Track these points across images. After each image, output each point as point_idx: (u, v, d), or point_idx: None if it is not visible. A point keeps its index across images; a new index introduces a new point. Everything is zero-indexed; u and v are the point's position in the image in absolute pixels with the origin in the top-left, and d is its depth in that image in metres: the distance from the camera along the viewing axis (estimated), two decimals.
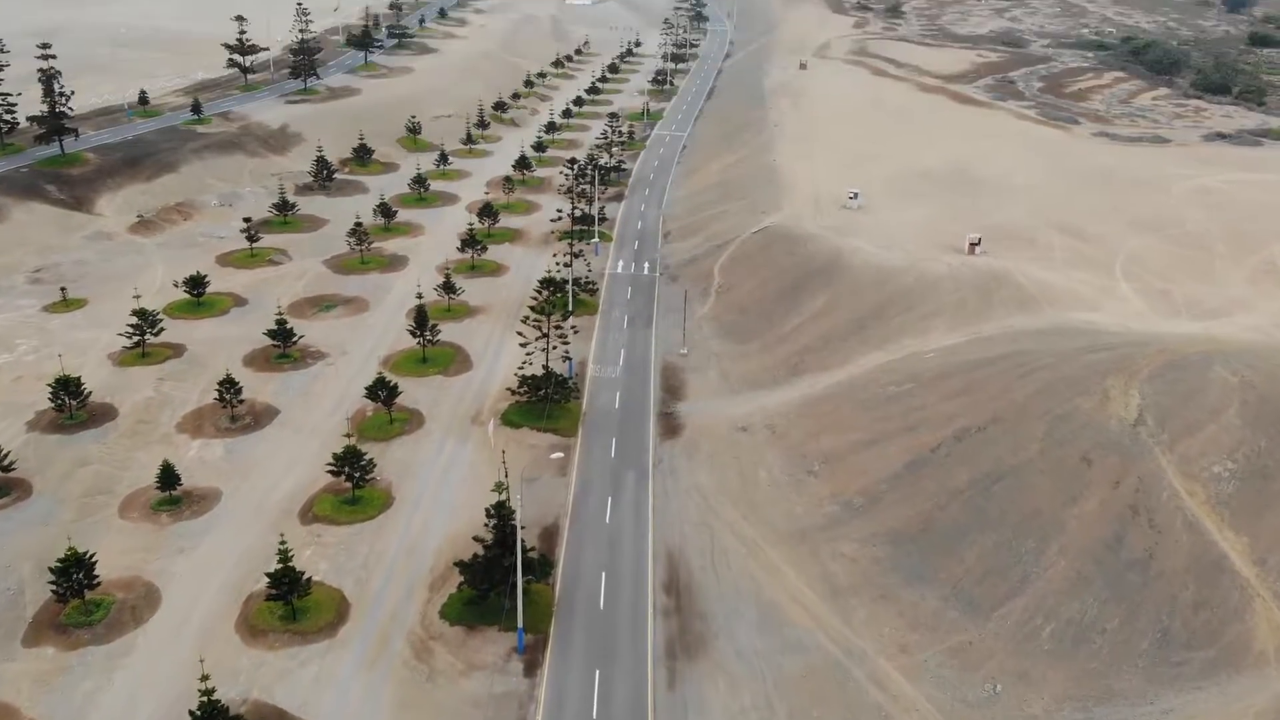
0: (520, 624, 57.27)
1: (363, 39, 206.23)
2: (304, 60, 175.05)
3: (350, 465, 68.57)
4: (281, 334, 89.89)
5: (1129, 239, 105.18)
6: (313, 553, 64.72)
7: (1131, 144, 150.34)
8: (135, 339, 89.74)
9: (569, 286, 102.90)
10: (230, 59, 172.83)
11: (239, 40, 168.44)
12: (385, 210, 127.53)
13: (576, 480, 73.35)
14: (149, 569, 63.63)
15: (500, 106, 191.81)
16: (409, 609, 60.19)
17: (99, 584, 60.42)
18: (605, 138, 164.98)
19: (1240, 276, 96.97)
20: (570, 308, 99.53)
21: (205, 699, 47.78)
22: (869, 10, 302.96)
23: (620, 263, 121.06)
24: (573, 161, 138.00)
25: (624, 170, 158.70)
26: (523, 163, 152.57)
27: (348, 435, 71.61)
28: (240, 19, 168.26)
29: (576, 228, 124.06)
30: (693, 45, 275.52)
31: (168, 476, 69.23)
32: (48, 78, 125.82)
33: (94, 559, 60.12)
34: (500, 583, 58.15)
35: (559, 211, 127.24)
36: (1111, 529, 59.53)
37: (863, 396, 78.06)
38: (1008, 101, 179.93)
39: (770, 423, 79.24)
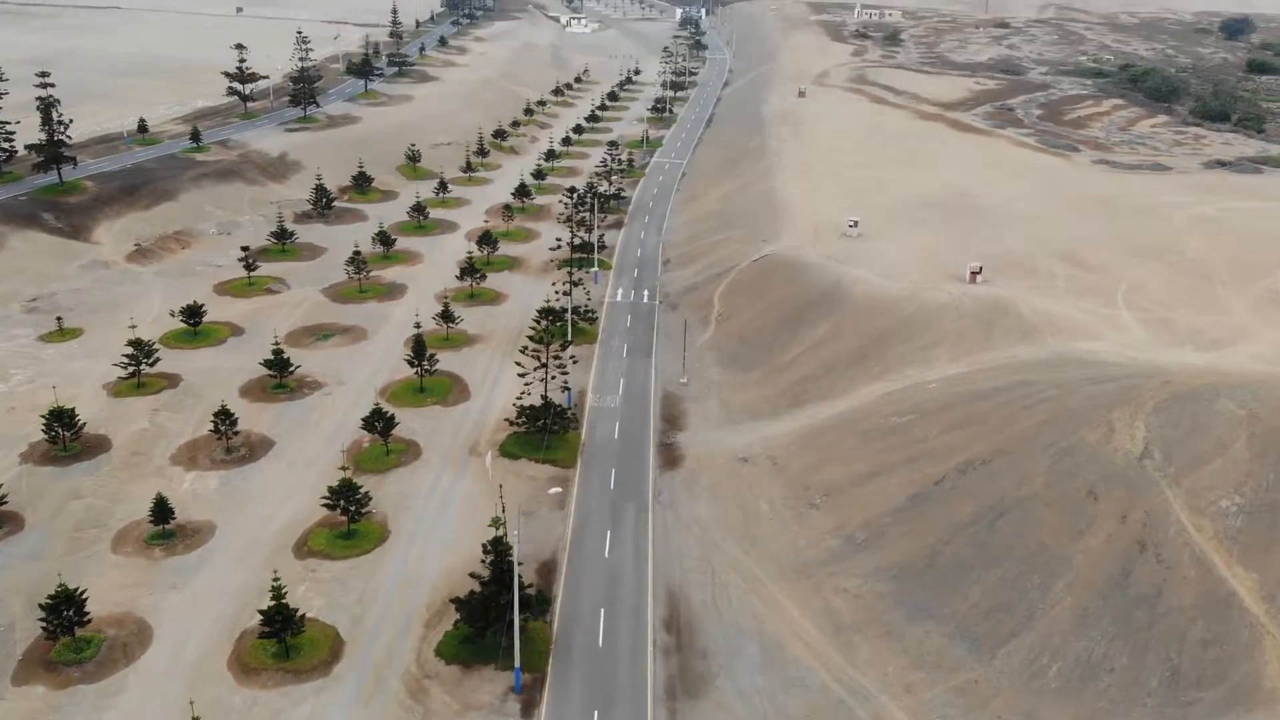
0: (518, 663, 56.21)
1: (363, 67, 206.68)
2: (304, 88, 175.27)
3: (345, 499, 67.70)
4: (278, 364, 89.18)
5: (1131, 267, 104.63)
6: (307, 588, 63.72)
7: (1131, 172, 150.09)
8: (131, 369, 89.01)
9: (568, 315, 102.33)
10: (230, 87, 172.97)
11: (239, 68, 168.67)
12: (384, 238, 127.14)
13: (575, 513, 72.41)
14: (141, 605, 62.67)
15: (500, 134, 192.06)
16: (404, 647, 59.14)
17: (90, 621, 59.48)
18: (605, 165, 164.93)
19: (1243, 305, 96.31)
20: (569, 337, 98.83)
21: None
22: (867, 38, 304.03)
23: (620, 290, 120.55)
24: (572, 190, 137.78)
25: (623, 198, 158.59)
26: (522, 190, 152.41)
27: (343, 468, 70.73)
28: (240, 47, 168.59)
29: (576, 255, 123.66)
30: (692, 73, 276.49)
31: (161, 510, 68.36)
32: (46, 106, 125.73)
33: (85, 595, 59.18)
34: (497, 620, 57.12)
35: (558, 240, 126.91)
36: (1118, 565, 58.58)
37: (865, 427, 77.26)
38: (1007, 129, 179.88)
39: (771, 453, 78.42)
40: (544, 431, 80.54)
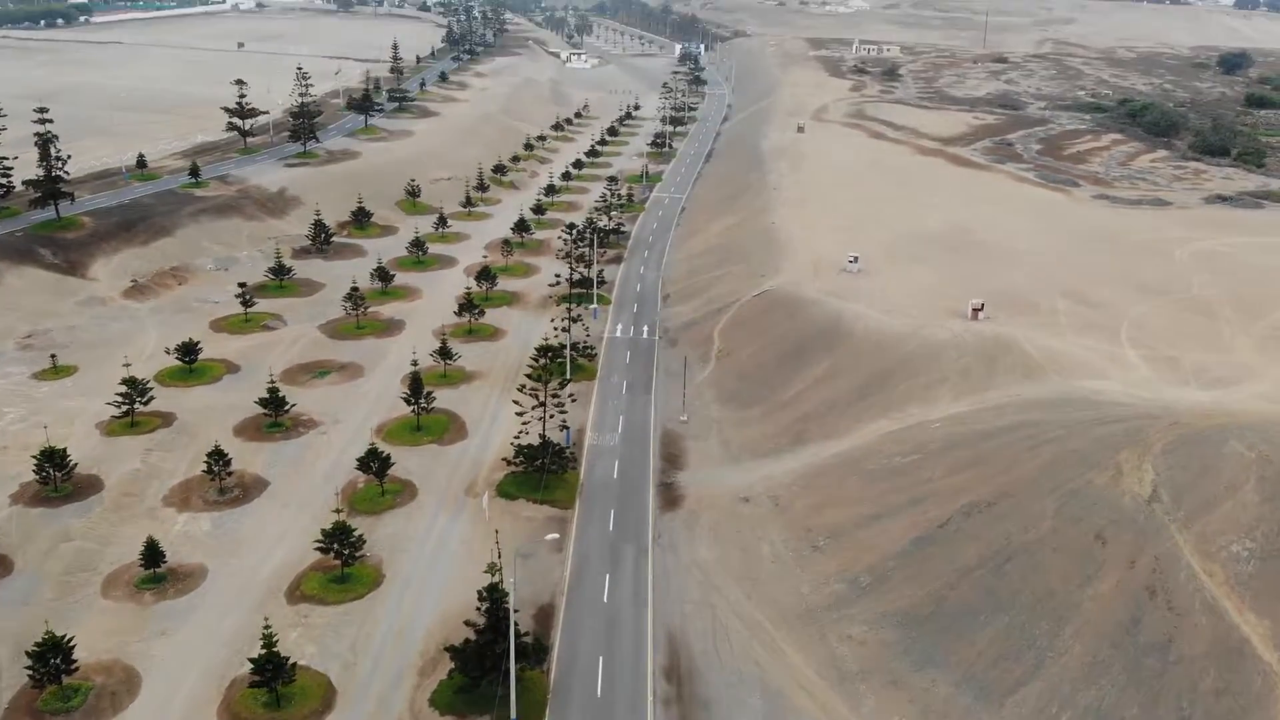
0: (514, 713, 54.80)
1: (363, 102, 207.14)
2: (303, 123, 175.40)
3: (339, 542, 66.49)
4: (273, 402, 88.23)
5: (1134, 304, 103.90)
6: (299, 635, 62.40)
7: (1132, 207, 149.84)
8: (124, 408, 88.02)
9: (567, 352, 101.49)
10: (230, 122, 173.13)
11: (238, 104, 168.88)
12: (383, 274, 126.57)
13: (573, 555, 71.13)
14: (130, 652, 61.36)
15: (500, 169, 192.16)
16: (397, 696, 57.75)
17: (77, 668, 58.23)
18: (604, 200, 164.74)
19: (1248, 343, 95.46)
20: (568, 375, 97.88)
21: None
22: (866, 73, 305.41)
23: (619, 326, 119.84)
24: (571, 226, 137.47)
25: (623, 233, 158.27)
26: (521, 226, 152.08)
27: (337, 510, 69.53)
28: (240, 83, 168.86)
29: (575, 291, 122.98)
30: (691, 108, 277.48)
31: (152, 554, 67.18)
32: (44, 141, 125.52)
33: (72, 643, 57.92)
34: (493, 669, 55.73)
35: (557, 276, 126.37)
36: (1128, 611, 57.29)
37: (868, 467, 76.15)
38: (1006, 164, 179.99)
39: (773, 493, 77.26)
40: (542, 471, 79.44)
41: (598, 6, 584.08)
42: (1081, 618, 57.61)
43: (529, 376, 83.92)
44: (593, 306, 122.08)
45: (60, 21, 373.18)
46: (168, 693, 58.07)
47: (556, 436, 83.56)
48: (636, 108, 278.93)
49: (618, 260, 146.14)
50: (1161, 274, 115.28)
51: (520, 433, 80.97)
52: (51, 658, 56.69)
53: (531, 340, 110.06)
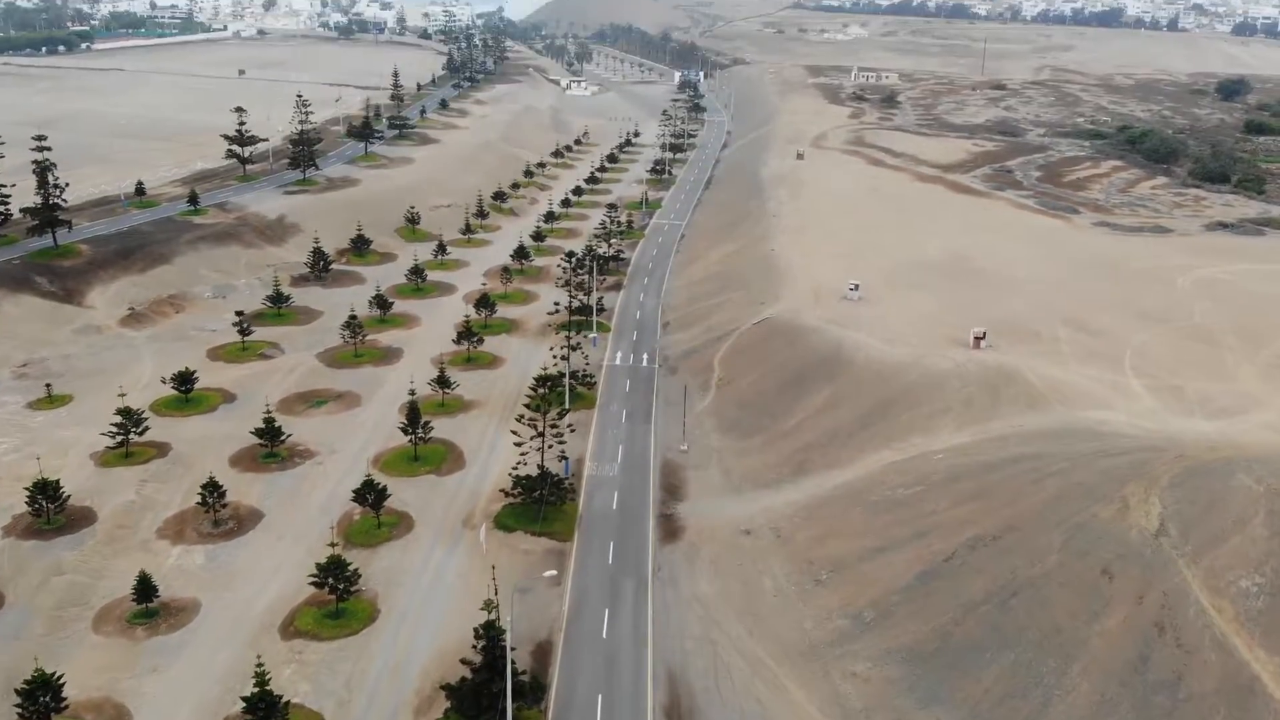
0: None
1: (363, 130, 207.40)
2: (303, 151, 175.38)
3: (334, 576, 65.49)
4: (269, 433, 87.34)
5: (1136, 332, 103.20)
6: (293, 671, 61.30)
7: (1133, 234, 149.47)
8: (119, 438, 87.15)
9: (565, 381, 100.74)
10: (229, 150, 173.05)
11: (238, 131, 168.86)
12: (381, 302, 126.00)
13: (572, 590, 70.06)
14: (120, 689, 60.25)
15: (500, 196, 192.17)
16: None
17: (66, 707, 57.08)
18: (604, 227, 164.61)
19: (1252, 372, 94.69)
20: (567, 404, 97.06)
21: None
22: (865, 101, 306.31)
23: (619, 354, 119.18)
24: (570, 254, 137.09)
25: (623, 259, 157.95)
26: (521, 253, 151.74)
27: (332, 544, 68.54)
28: (240, 110, 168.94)
29: (574, 318, 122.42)
30: (691, 136, 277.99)
31: (144, 588, 66.21)
32: (42, 169, 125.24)
33: (62, 680, 56.76)
34: (489, 709, 54.64)
35: (556, 304, 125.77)
36: (1136, 648, 56.29)
37: (871, 499, 75.25)
38: (1006, 191, 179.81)
39: (775, 525, 76.33)
40: (540, 503, 78.51)
41: (598, 34, 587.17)
42: (1089, 654, 56.61)
43: (527, 406, 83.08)
44: (592, 335, 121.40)
45: (62, 49, 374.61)
46: None
47: (555, 467, 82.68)
48: (636, 135, 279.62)
49: (617, 287, 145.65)
50: (1163, 302, 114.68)
51: (518, 463, 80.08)
52: (41, 695, 55.57)
53: (530, 368, 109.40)
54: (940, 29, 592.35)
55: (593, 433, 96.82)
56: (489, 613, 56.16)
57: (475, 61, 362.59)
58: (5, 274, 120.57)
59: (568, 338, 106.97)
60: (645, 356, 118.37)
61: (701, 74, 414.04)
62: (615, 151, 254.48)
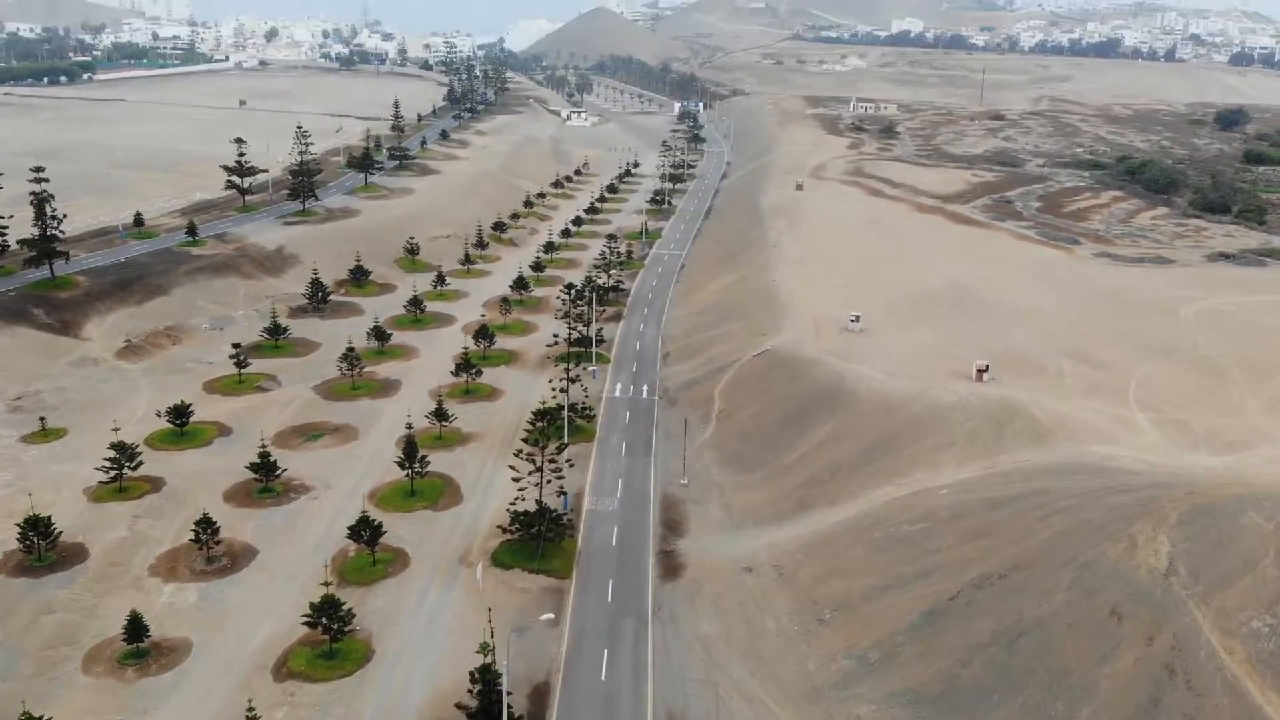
0: None
1: (363, 160, 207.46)
2: (303, 181, 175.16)
3: (328, 616, 64.26)
4: (264, 467, 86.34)
5: (1140, 365, 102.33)
6: (285, 714, 60.06)
7: (1134, 265, 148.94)
8: (112, 473, 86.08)
9: (564, 413, 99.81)
10: (229, 181, 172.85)
11: (238, 162, 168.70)
12: (379, 333, 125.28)
13: (570, 629, 68.77)
14: None
15: (499, 227, 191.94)
16: None
17: None
18: (604, 258, 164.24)
19: (1258, 405, 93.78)
20: (565, 438, 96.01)
21: None
22: (863, 131, 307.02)
23: (619, 386, 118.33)
24: (570, 286, 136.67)
25: (622, 290, 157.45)
26: (520, 283, 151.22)
27: (326, 583, 67.36)
28: (240, 141, 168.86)
29: (574, 349, 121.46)
30: (690, 166, 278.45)
31: (135, 628, 65.02)
32: (40, 201, 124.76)
33: None
34: None
35: (555, 336, 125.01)
36: (1147, 691, 54.97)
37: (875, 536, 74.09)
38: (1006, 221, 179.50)
39: (777, 562, 75.16)
40: (538, 539, 77.35)
41: (598, 65, 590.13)
42: (1099, 698, 55.30)
43: (526, 441, 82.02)
44: (591, 368, 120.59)
45: (64, 79, 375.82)
46: None
47: (554, 502, 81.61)
48: (636, 165, 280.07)
49: (617, 318, 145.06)
50: (1166, 333, 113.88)
51: (516, 498, 78.99)
52: None
53: (529, 400, 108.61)
54: (938, 60, 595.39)
55: (592, 466, 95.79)
56: (485, 656, 54.97)
57: (476, 92, 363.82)
58: (1, 306, 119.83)
59: (567, 370, 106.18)
60: (645, 388, 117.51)
61: (701, 105, 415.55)
62: (615, 182, 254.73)
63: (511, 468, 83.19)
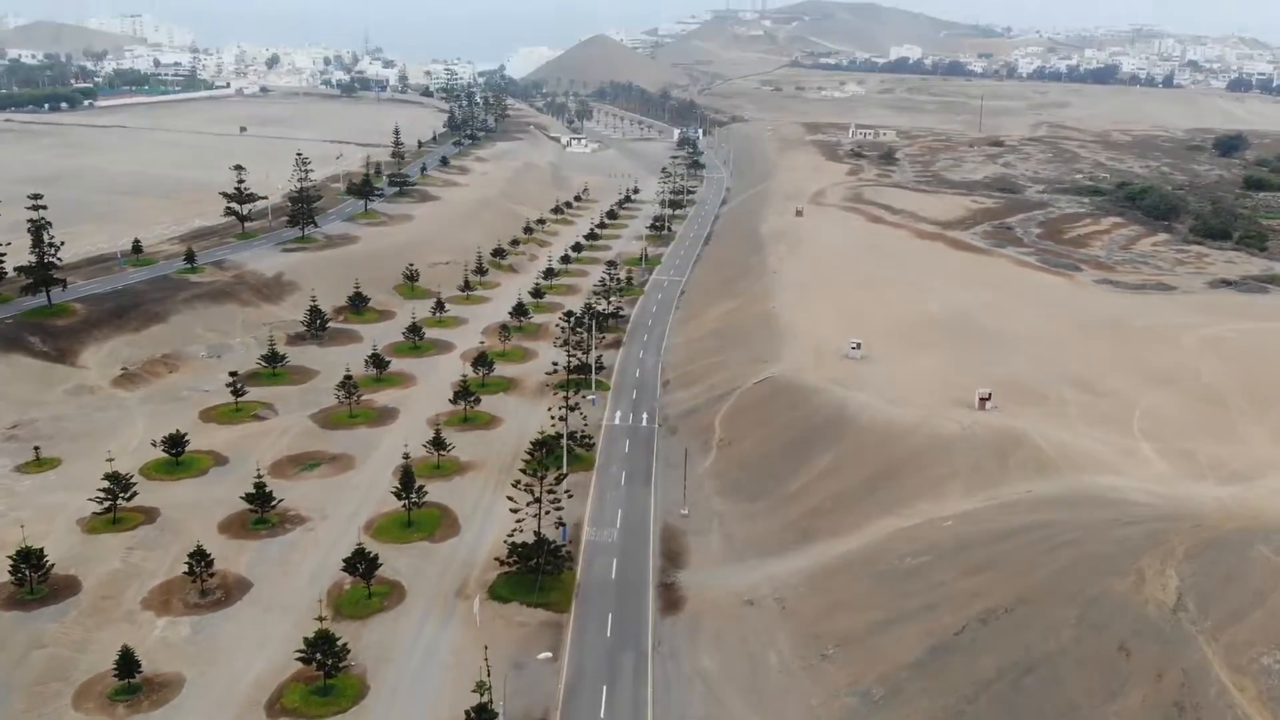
0: None
1: (363, 187, 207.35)
2: (302, 208, 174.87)
3: (322, 652, 63.16)
4: (259, 498, 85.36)
5: (1144, 393, 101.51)
6: None
7: (1136, 291, 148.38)
8: (106, 504, 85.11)
9: (563, 442, 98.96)
10: (228, 207, 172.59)
11: (237, 189, 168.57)
12: (377, 361, 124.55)
13: (568, 665, 67.59)
14: None
15: (499, 253, 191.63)
16: None
17: None
18: (604, 284, 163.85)
19: (1263, 435, 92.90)
20: (564, 468, 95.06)
21: None
22: (862, 157, 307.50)
23: (618, 413, 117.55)
24: (569, 314, 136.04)
25: (622, 316, 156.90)
26: (520, 310, 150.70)
27: (320, 618, 66.29)
28: (239, 168, 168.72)
29: (573, 377, 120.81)
30: (690, 192, 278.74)
31: (126, 663, 63.87)
32: (37, 228, 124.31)
33: None
34: None
35: (554, 364, 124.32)
36: None
37: (879, 568, 73.04)
38: (1007, 248, 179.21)
39: (779, 595, 74.07)
40: (537, 571, 76.31)
41: (598, 92, 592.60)
42: None
43: (524, 471, 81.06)
44: (591, 396, 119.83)
45: (65, 105, 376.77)
46: None
47: (552, 533, 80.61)
48: (636, 191, 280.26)
49: (617, 344, 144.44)
50: (1169, 361, 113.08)
51: (514, 530, 77.99)
52: None
53: (528, 428, 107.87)
54: (937, 86, 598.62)
55: (591, 496, 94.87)
56: (481, 695, 53.91)
57: (476, 119, 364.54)
58: None
59: (566, 398, 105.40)
60: (645, 416, 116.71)
61: (700, 131, 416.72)
62: (615, 208, 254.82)
63: (509, 499, 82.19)
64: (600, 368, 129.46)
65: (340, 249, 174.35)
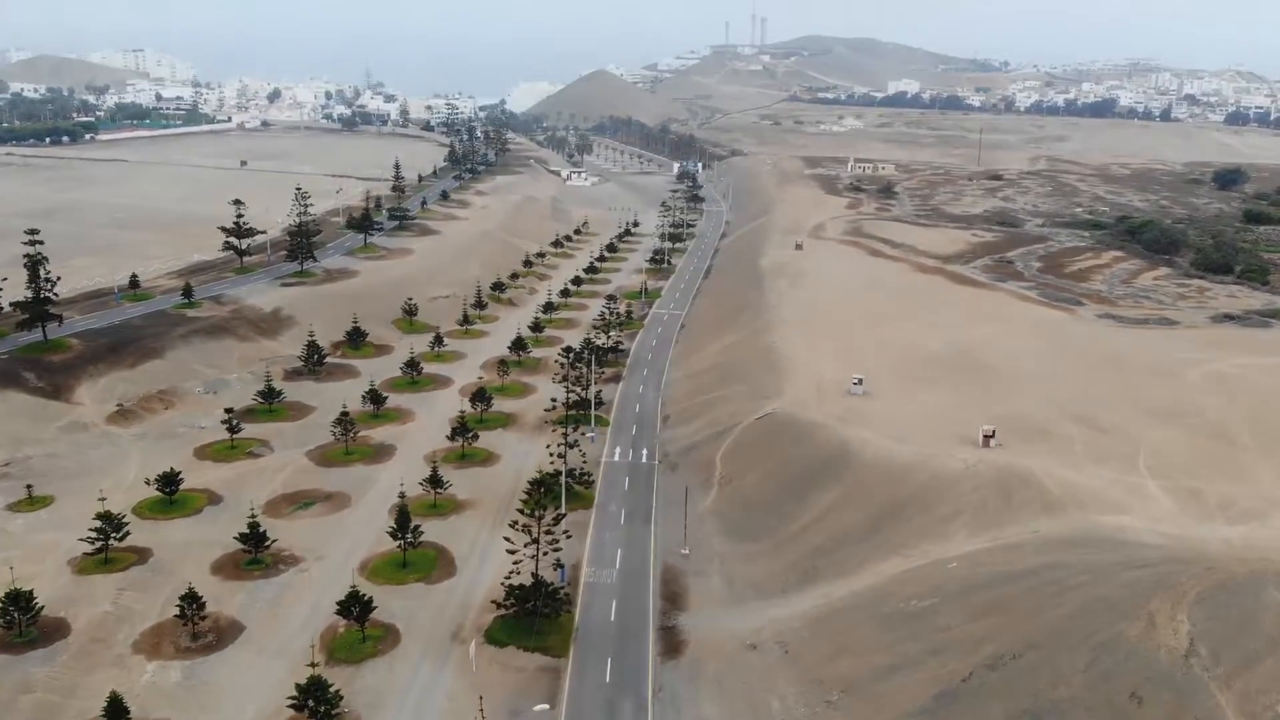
0: None
1: (363, 221, 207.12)
2: (301, 242, 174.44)
3: (314, 699, 61.72)
4: (253, 538, 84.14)
5: (1149, 430, 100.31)
6: None
7: (1138, 326, 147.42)
8: (98, 544, 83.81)
9: (562, 479, 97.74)
10: (227, 242, 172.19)
11: (236, 223, 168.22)
12: (374, 397, 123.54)
13: (567, 713, 66.09)
14: None
15: (499, 286, 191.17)
16: None
17: None
18: (603, 318, 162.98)
19: (1271, 472, 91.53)
20: (562, 507, 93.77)
21: None
22: (862, 191, 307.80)
23: (617, 450, 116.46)
24: (568, 350, 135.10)
25: (622, 350, 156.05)
26: (519, 344, 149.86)
27: (312, 664, 64.85)
28: (238, 202, 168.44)
29: (572, 412, 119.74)
30: (689, 225, 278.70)
31: (115, 709, 62.43)
32: (34, 263, 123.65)
33: None
34: None
35: (553, 400, 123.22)
36: None
37: (883, 611, 71.64)
38: (1008, 282, 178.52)
39: (782, 639, 72.64)
40: (534, 614, 74.89)
41: (598, 126, 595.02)
42: None
43: (521, 511, 79.78)
44: (590, 434, 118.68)
45: (66, 139, 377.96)
46: None
47: (550, 574, 79.28)
48: (635, 224, 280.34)
49: (616, 379, 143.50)
50: (1174, 397, 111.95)
51: (511, 572, 76.67)
52: None
53: (527, 465, 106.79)
54: (935, 120, 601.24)
55: (590, 535, 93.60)
56: None
57: (477, 153, 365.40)
58: None
59: (564, 434, 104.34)
60: (645, 452, 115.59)
61: (700, 165, 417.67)
62: (615, 241, 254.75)
63: (507, 539, 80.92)
64: (599, 403, 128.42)
65: (339, 283, 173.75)
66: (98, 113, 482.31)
